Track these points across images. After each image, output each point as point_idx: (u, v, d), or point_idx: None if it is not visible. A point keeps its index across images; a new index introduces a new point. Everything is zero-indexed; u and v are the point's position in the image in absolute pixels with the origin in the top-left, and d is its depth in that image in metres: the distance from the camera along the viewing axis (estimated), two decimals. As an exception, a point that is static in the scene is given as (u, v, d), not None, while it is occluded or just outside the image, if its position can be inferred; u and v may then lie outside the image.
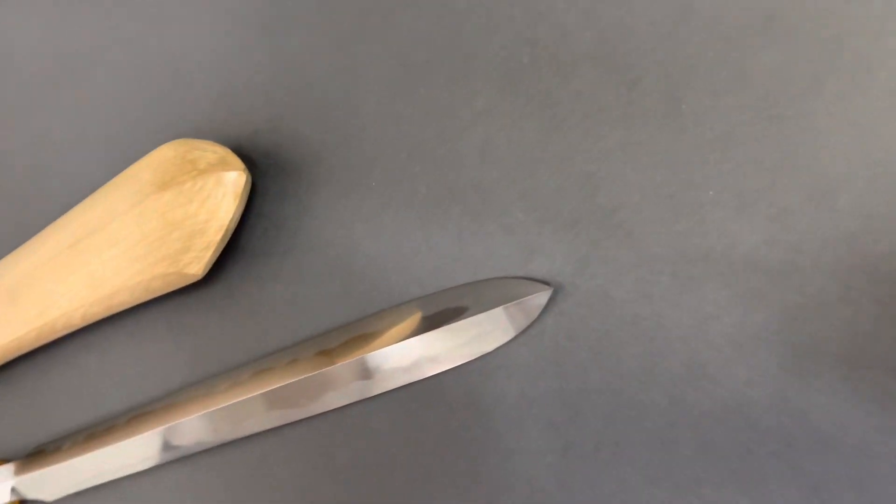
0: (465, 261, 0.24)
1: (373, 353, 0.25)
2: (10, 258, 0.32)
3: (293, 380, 0.27)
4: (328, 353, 0.26)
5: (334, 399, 0.27)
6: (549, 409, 0.23)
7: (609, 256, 0.22)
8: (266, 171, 0.29)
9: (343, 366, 0.26)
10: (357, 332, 0.26)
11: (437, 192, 0.25)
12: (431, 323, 0.24)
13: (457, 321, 0.24)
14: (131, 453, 0.31)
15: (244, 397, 0.28)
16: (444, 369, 0.25)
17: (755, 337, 0.20)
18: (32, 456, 0.35)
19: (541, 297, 0.22)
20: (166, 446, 0.30)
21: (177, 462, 0.31)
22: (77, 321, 0.32)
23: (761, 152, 0.19)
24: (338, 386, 0.26)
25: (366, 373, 0.26)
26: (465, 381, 0.25)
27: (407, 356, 0.25)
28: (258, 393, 0.28)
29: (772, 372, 0.20)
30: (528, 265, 0.23)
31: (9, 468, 0.36)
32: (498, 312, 0.23)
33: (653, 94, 0.21)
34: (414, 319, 0.25)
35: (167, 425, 0.30)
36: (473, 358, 0.24)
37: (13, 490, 0.35)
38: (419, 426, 0.26)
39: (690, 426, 0.21)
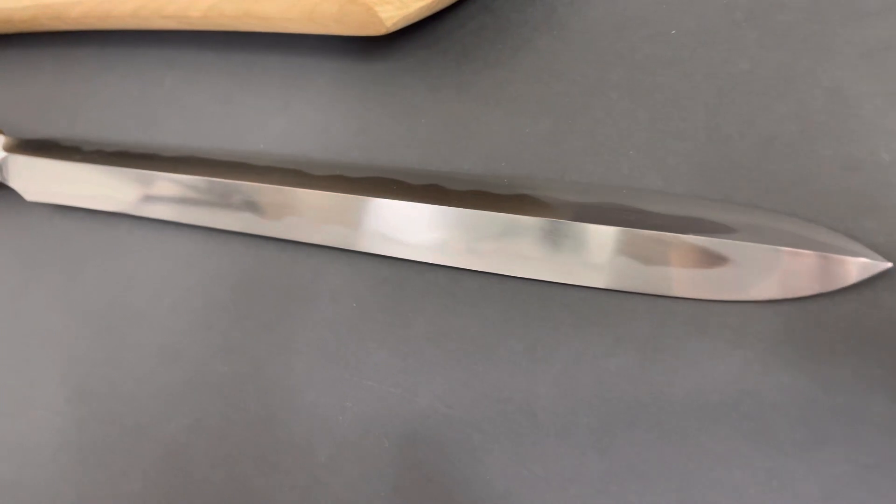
0: (742, 176, 0.17)
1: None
2: None
3: (353, 196, 0.21)
4: (443, 193, 0.19)
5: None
6: (758, 415, 0.16)
7: None
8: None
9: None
10: (521, 190, 0.19)
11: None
12: (620, 220, 0.17)
13: (700, 235, 0.16)
14: (132, 189, 0.25)
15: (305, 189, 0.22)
16: (626, 289, 0.17)
17: None
18: (40, 142, 0.29)
19: (864, 268, 0.15)
20: (178, 199, 0.24)
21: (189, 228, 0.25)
22: (195, 15, 0.25)
23: None
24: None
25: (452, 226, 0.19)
26: (660, 319, 0.17)
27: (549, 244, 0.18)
28: (327, 192, 0.21)
29: None
30: (854, 221, 0.16)
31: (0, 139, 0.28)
32: (782, 254, 0.16)
33: None
34: (586, 205, 0.18)
35: (193, 177, 0.24)
36: (710, 297, 0.17)
37: (-5, 165, 0.28)
38: (543, 335, 0.18)
39: None
